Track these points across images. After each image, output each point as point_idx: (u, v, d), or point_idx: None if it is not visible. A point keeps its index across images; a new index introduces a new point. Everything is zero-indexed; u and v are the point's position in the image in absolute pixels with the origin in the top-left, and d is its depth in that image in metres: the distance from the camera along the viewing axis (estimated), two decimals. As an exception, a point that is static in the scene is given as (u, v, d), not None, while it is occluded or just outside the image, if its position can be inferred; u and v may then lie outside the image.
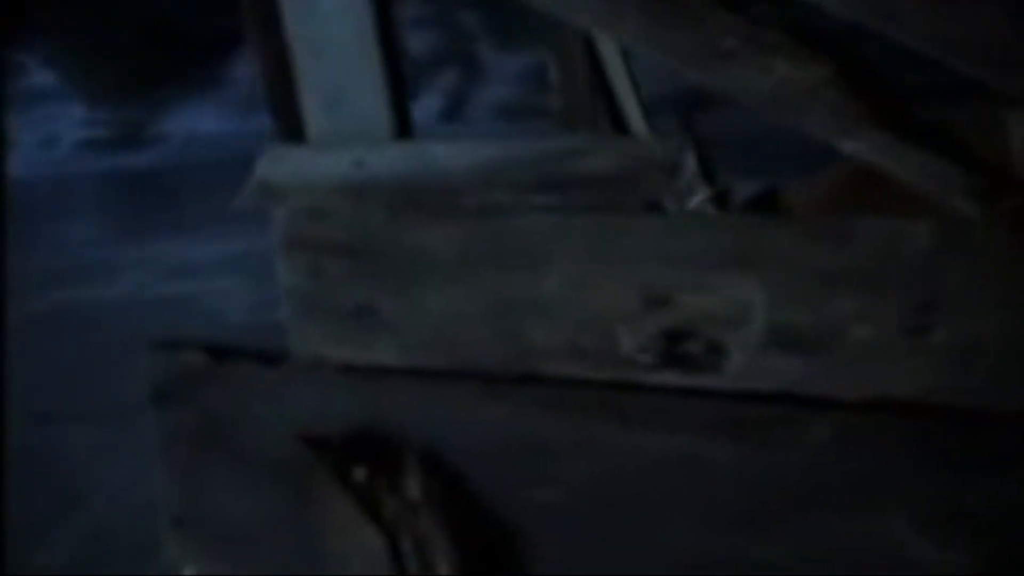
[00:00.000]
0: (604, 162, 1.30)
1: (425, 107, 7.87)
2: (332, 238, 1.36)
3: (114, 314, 5.21)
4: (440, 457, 1.39)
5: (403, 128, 1.34)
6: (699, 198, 1.33)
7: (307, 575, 1.46)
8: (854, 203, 1.52)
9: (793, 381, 1.31)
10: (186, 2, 7.38)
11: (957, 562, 1.30)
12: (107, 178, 6.44)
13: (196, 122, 7.41)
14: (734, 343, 1.30)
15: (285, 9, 1.37)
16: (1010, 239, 1.23)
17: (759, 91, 1.21)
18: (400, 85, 1.33)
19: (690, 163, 1.29)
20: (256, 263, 6.61)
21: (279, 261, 1.38)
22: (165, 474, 1.48)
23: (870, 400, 1.31)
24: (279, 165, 1.37)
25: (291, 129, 1.33)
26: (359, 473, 1.41)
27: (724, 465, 1.34)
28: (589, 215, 1.30)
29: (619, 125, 3.28)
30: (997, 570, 1.30)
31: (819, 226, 1.28)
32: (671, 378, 1.32)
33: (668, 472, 1.35)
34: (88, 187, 6.42)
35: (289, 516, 1.44)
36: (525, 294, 1.33)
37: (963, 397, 1.28)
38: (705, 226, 1.28)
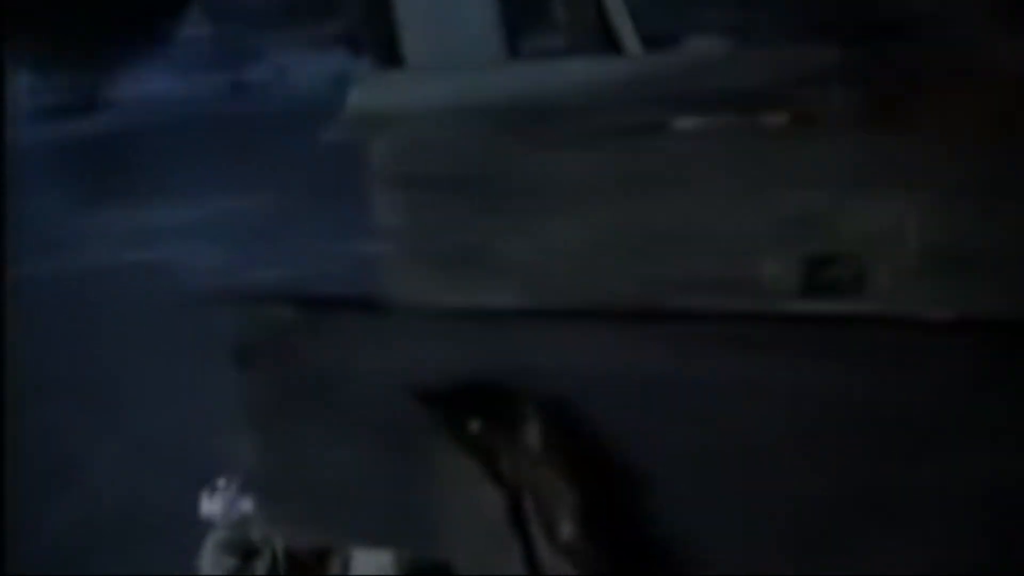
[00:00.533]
0: (746, 76, 1.20)
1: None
2: (439, 171, 1.25)
3: (85, 285, 5.05)
4: (561, 404, 1.30)
5: (513, 50, 1.23)
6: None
7: (417, 539, 1.36)
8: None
9: (942, 304, 1.23)
10: (130, -38, 7.16)
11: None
12: (62, 146, 6.23)
13: (146, 84, 7.20)
14: (883, 266, 1.21)
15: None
16: None
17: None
18: (508, 5, 1.22)
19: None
20: (222, 226, 6.44)
21: (375, 199, 1.26)
22: (252, 439, 1.37)
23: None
24: (376, 93, 1.25)
25: (388, 55, 1.21)
26: (474, 426, 1.31)
27: (869, 394, 1.25)
28: (728, 134, 1.20)
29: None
30: None
31: (971, 142, 1.19)
32: (816, 305, 1.23)
33: (810, 405, 1.26)
34: (44, 156, 6.21)
35: (396, 477, 1.34)
36: (656, 222, 1.23)
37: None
38: (855, 143, 1.19)
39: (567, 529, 1.33)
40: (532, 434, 1.31)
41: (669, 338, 1.25)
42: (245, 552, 3.10)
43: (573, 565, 1.33)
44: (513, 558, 1.34)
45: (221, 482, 3.46)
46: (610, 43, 3.04)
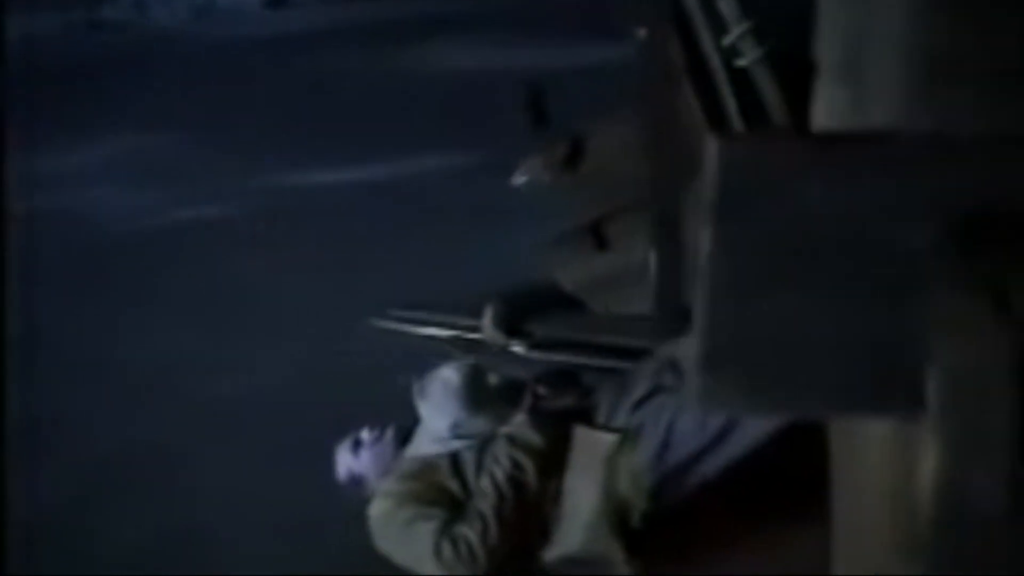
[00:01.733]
0: None
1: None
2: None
3: None
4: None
5: None
6: None
7: (901, 400, 1.23)
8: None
9: None
10: None
11: None
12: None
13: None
14: None
15: None
16: None
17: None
18: None
19: None
20: (121, 169, 6.03)
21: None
22: (714, 303, 1.20)
23: None
24: None
25: None
26: (987, 264, 1.19)
27: None
28: None
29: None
30: None
31: None
32: None
33: None
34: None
35: (886, 330, 1.21)
36: None
37: None
38: None
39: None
40: (1048, 271, 1.21)
41: None
42: (449, 503, 2.78)
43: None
44: (1001, 408, 1.24)
45: (365, 435, 3.10)
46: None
